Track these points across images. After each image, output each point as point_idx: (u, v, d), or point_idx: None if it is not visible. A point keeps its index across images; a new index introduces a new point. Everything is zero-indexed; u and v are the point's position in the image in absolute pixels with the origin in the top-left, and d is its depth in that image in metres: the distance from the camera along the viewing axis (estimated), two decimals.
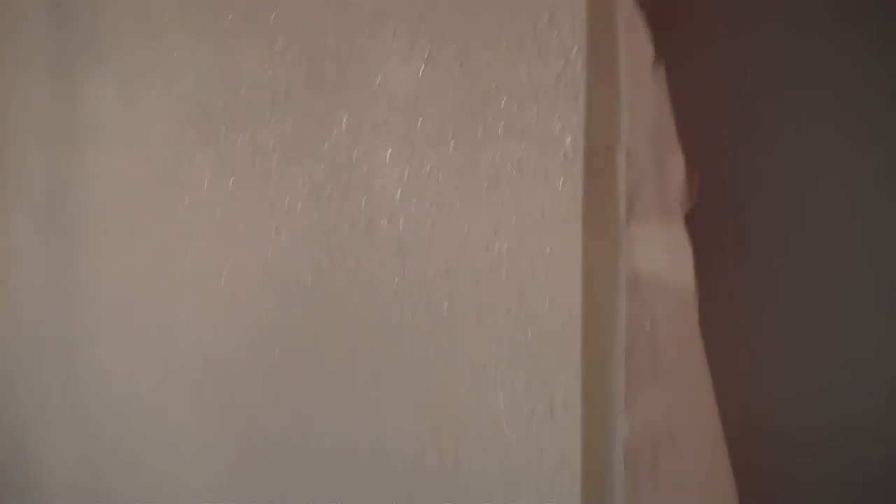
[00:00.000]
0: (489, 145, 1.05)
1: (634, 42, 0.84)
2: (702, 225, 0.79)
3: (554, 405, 1.01)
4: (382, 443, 1.23)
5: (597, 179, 0.96)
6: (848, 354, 0.89)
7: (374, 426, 1.24)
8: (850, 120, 0.88)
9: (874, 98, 0.89)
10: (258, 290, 1.41)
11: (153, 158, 1.63)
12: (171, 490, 1.67)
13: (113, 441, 1.84)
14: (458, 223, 1.10)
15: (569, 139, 0.98)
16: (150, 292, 1.68)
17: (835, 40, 0.85)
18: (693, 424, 0.83)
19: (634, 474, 0.93)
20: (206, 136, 1.49)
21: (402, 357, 1.18)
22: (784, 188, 0.86)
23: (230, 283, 1.47)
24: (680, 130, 0.78)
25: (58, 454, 2.07)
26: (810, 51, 0.85)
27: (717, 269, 0.80)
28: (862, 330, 0.90)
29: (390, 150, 1.17)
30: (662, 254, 0.86)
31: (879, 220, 0.89)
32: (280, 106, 1.33)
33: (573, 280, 0.98)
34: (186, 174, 1.54)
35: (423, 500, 1.18)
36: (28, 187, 2.08)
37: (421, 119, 1.13)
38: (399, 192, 1.16)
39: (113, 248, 1.78)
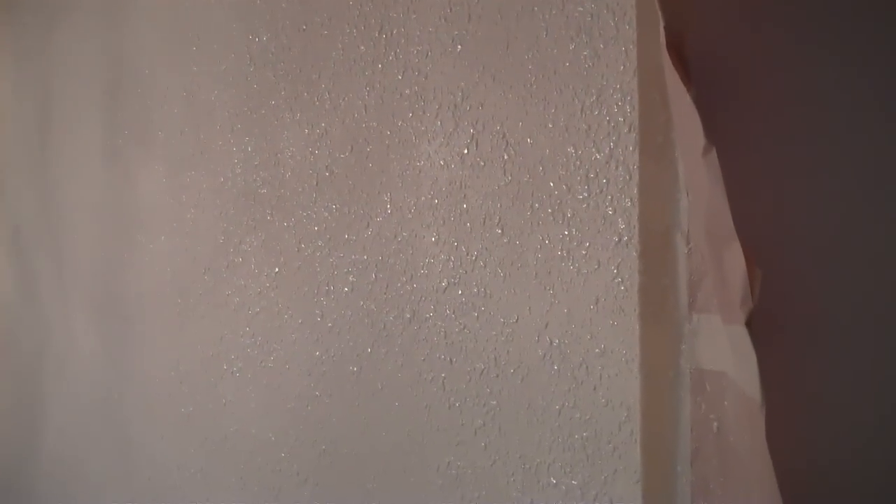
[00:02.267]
0: (537, 230, 0.99)
1: (684, 124, 0.78)
2: (764, 331, 0.72)
3: None
4: None
5: (654, 266, 0.89)
6: None
7: None
8: None
9: None
10: (304, 378, 1.37)
11: (202, 243, 1.61)
12: None
13: None
14: (507, 312, 1.03)
15: (622, 223, 0.91)
16: (198, 377, 1.65)
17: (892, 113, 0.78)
18: None
19: None
20: (253, 220, 1.46)
21: (451, 453, 1.11)
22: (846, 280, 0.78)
23: (277, 370, 1.43)
24: (738, 225, 0.71)
25: None
26: (881, 128, 0.78)
27: (778, 379, 0.72)
28: None
29: (435, 235, 1.12)
30: (727, 351, 0.78)
31: None
32: (324, 189, 1.30)
33: (630, 376, 0.90)
34: (234, 259, 1.52)
35: None
36: (84, 270, 2.10)
37: (465, 202, 1.08)
38: (445, 279, 1.11)
39: (163, 333, 1.76)
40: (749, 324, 0.71)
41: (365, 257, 1.23)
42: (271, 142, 1.41)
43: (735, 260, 0.72)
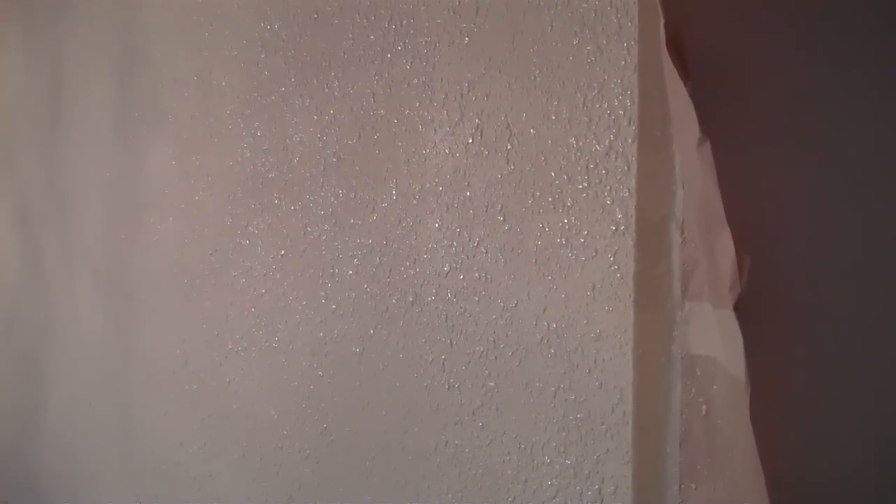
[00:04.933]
0: (538, 218, 1.03)
1: (681, 117, 0.81)
2: (748, 314, 0.75)
3: (604, 490, 0.97)
4: None
5: (649, 255, 0.93)
6: None
7: (419, 502, 1.20)
8: None
9: None
10: (308, 358, 1.40)
11: (209, 225, 1.64)
12: None
13: None
14: (506, 297, 1.07)
15: (620, 212, 0.94)
16: (202, 357, 1.68)
17: (890, 108, 0.81)
18: None
19: None
20: (261, 203, 1.50)
21: (449, 432, 1.15)
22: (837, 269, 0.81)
23: (281, 350, 1.47)
24: (728, 213, 0.75)
25: None
26: (873, 124, 0.81)
27: (760, 360, 0.76)
28: None
29: (439, 221, 1.15)
30: (717, 337, 0.81)
31: None
32: (331, 175, 1.33)
33: (624, 360, 0.94)
34: (241, 241, 1.55)
35: None
36: (91, 249, 2.13)
37: (469, 190, 1.11)
38: (447, 264, 1.14)
39: (168, 312, 1.80)
40: (737, 308, 0.75)
41: (369, 241, 1.27)
42: (280, 127, 1.44)
43: (725, 247, 0.75)
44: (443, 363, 1.16)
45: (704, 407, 0.88)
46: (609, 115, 0.95)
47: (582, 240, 0.98)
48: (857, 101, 0.81)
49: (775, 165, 0.80)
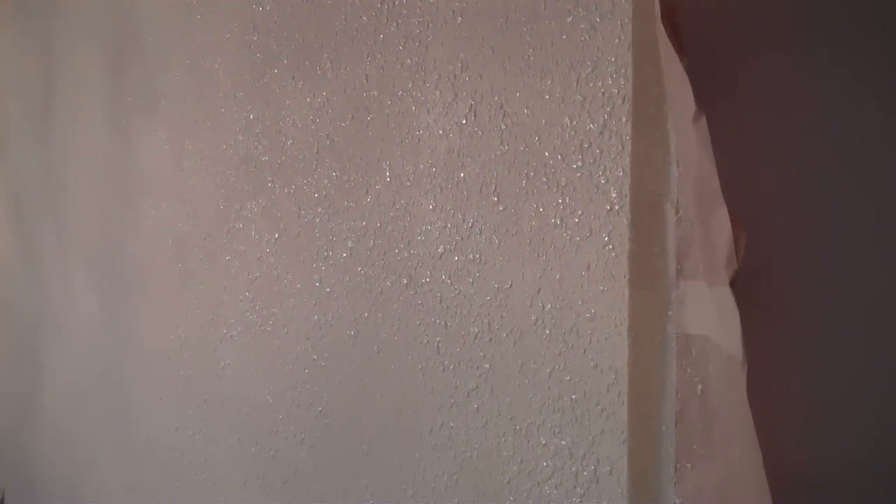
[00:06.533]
0: (532, 198, 1.02)
1: (676, 92, 0.80)
2: (747, 290, 0.75)
3: (599, 471, 0.96)
4: (423, 501, 1.19)
5: (643, 234, 0.92)
6: None
7: (415, 484, 1.20)
8: None
9: None
10: (302, 342, 1.40)
11: (202, 209, 1.63)
12: None
13: (161, 492, 1.83)
14: (501, 278, 1.06)
15: (614, 192, 0.94)
16: (197, 341, 1.68)
17: (889, 85, 0.81)
18: (746, 501, 0.77)
19: None
20: (254, 187, 1.49)
21: (444, 415, 1.15)
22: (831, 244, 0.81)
23: (276, 334, 1.46)
24: (724, 188, 0.74)
25: (107, 500, 2.07)
26: (865, 101, 0.81)
27: (759, 337, 0.75)
28: None
29: (433, 203, 1.15)
30: (712, 315, 0.81)
31: None
32: (324, 157, 1.33)
33: (619, 340, 0.94)
34: (234, 225, 1.54)
35: None
36: (85, 236, 2.12)
37: (463, 171, 1.10)
38: (441, 246, 1.14)
39: (163, 297, 1.79)
40: (733, 284, 0.74)
41: (363, 224, 1.26)
42: (273, 110, 1.43)
43: (721, 223, 0.75)
44: (437, 345, 1.15)
45: (700, 386, 0.87)
46: (603, 93, 0.95)
47: (576, 220, 0.98)
48: (857, 73, 0.80)
49: (773, 141, 0.80)
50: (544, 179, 1.01)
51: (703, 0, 0.82)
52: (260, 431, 1.51)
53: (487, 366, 1.08)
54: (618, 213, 0.94)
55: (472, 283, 1.10)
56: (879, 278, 0.80)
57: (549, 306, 1.01)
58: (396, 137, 1.20)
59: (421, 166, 1.16)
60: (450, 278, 1.13)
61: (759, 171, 0.80)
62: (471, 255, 1.10)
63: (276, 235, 1.44)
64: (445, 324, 1.14)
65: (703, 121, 0.75)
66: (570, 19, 0.97)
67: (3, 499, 2.69)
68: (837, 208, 0.80)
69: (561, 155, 0.99)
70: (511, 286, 1.05)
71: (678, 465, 0.87)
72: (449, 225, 1.13)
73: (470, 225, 1.10)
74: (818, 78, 0.81)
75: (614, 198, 0.94)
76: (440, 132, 1.13)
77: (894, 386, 0.80)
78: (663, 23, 0.81)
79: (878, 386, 0.81)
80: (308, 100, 1.36)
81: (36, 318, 2.44)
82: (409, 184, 1.18)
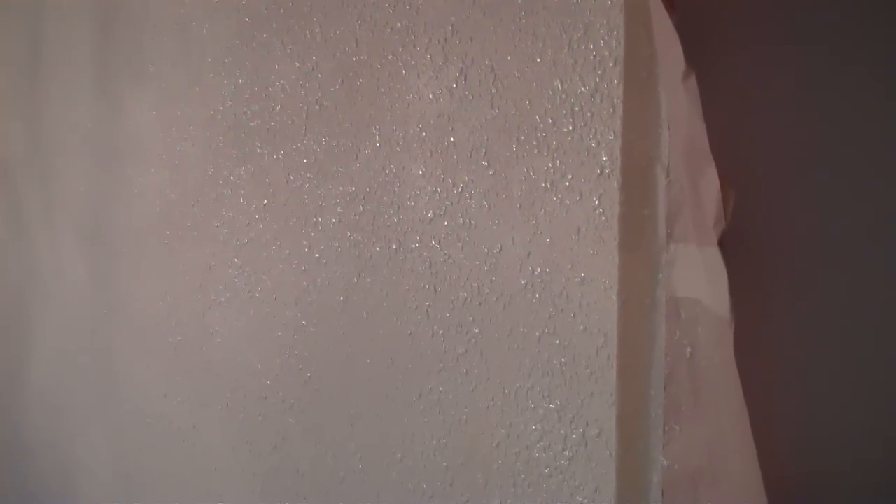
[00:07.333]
0: (522, 162, 1.02)
1: (667, 51, 0.80)
2: (734, 249, 0.75)
3: (588, 434, 0.97)
4: (412, 466, 1.19)
5: (634, 197, 0.92)
6: (889, 382, 0.83)
7: (403, 449, 1.20)
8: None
9: None
10: (291, 308, 1.40)
11: (191, 175, 1.62)
12: None
13: (148, 458, 1.83)
14: (491, 243, 1.06)
15: (605, 155, 0.94)
16: (185, 308, 1.67)
17: (881, 47, 0.81)
18: (733, 461, 0.78)
19: None
20: (242, 153, 1.48)
21: (433, 379, 1.15)
22: (821, 207, 0.81)
23: (264, 301, 1.46)
24: (713, 147, 0.74)
25: (95, 467, 2.07)
26: (853, 61, 0.80)
27: (749, 296, 0.76)
28: None
29: (423, 168, 1.14)
30: (702, 278, 0.81)
31: None
32: (313, 122, 1.32)
33: (608, 303, 0.94)
34: (223, 191, 1.54)
35: None
36: (73, 203, 2.11)
37: (453, 135, 1.10)
38: (431, 210, 1.13)
39: (151, 264, 1.78)
40: (721, 243, 0.74)
41: (353, 189, 1.26)
42: (262, 75, 1.42)
43: (710, 183, 0.75)
44: (427, 310, 1.16)
45: (689, 349, 0.88)
46: (594, 56, 0.94)
47: (567, 183, 0.98)
48: (850, 33, 0.80)
49: (763, 100, 0.79)
50: (535, 143, 1.01)
51: None
52: (248, 397, 1.51)
53: (477, 330, 1.09)
54: (608, 176, 0.93)
55: (462, 247, 1.10)
56: (864, 237, 0.81)
57: (538, 270, 1.01)
58: (386, 102, 1.19)
59: (411, 131, 1.16)
60: (439, 243, 1.13)
61: (748, 129, 0.80)
62: (460, 220, 1.10)
63: (265, 201, 1.44)
64: (435, 288, 1.14)
65: (693, 79, 0.75)
66: None
67: None
68: (826, 166, 0.80)
69: (552, 118, 0.99)
70: (501, 250, 1.05)
71: (667, 428, 0.88)
72: (439, 189, 1.13)
73: (460, 189, 1.10)
74: (812, 35, 0.80)
75: (605, 161, 0.94)
76: (430, 96, 1.13)
77: (877, 343, 0.80)
78: None
79: (868, 344, 0.81)
80: (297, 64, 1.34)
81: (24, 285, 2.43)
82: (398, 148, 1.18)
